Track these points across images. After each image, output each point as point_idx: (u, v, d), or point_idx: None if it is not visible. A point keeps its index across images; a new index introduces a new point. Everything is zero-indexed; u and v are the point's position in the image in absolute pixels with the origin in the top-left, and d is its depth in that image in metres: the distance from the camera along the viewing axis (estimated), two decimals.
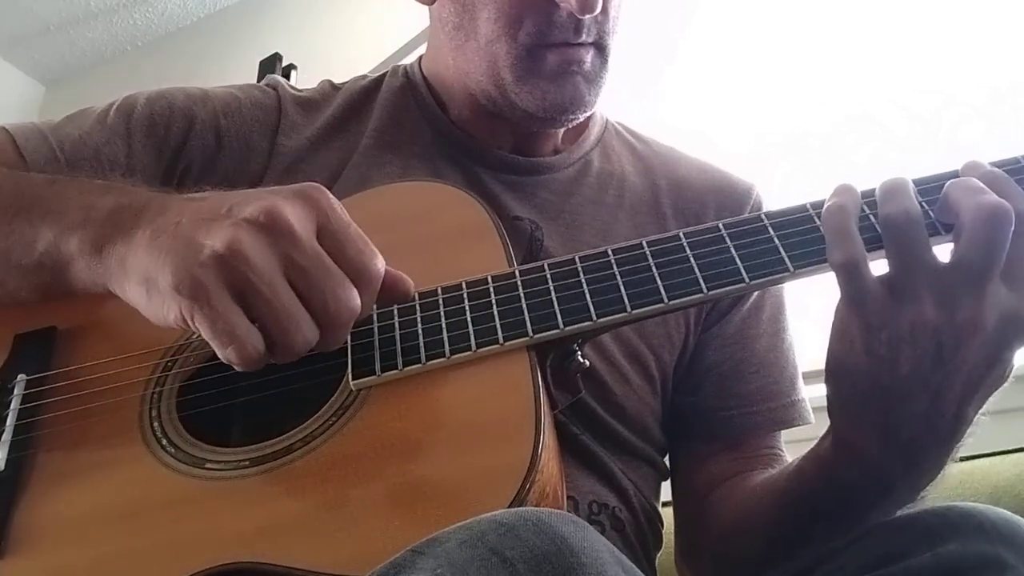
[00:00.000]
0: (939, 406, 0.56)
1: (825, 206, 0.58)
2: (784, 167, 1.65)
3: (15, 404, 0.64)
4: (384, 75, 0.91)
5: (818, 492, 0.66)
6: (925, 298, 0.54)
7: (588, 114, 0.82)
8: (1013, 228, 0.53)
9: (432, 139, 0.85)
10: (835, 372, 0.59)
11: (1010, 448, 0.99)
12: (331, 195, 0.55)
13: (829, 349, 0.59)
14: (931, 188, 0.58)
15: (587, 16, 0.73)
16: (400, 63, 0.94)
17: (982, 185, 0.55)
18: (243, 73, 1.92)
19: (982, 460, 0.99)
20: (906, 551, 0.54)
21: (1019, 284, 0.54)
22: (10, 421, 0.63)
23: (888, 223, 0.55)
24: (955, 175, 0.59)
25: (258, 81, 1.15)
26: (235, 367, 0.53)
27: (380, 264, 0.55)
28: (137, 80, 0.86)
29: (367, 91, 0.89)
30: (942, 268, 0.54)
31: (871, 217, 0.58)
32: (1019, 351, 0.56)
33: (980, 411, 0.58)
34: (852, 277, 0.55)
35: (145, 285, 0.54)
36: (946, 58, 1.56)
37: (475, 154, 0.84)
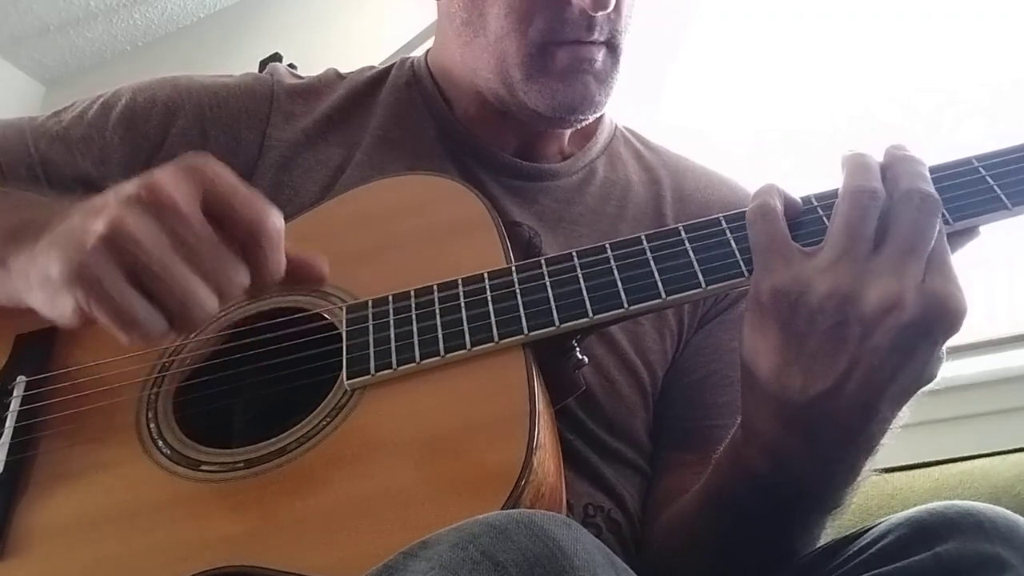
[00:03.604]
0: (844, 390, 0.53)
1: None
2: (784, 165, 1.65)
3: (14, 406, 0.64)
4: (391, 67, 0.90)
5: (731, 485, 0.64)
6: (844, 268, 0.53)
7: (598, 115, 0.81)
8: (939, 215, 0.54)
9: (436, 138, 0.83)
10: (746, 348, 0.57)
11: (1010, 448, 0.99)
12: (215, 161, 0.53)
13: (743, 328, 0.58)
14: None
15: (600, 14, 0.72)
16: (407, 56, 0.92)
17: (922, 172, 0.55)
18: (243, 73, 1.91)
19: (982, 460, 0.99)
20: (906, 550, 0.54)
21: (942, 271, 0.52)
22: (9, 423, 0.63)
23: (840, 195, 0.55)
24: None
25: None
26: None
27: (275, 221, 0.52)
28: (137, 80, 0.86)
29: (372, 83, 0.87)
30: (871, 243, 0.53)
31: (818, 210, 0.59)
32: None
33: (898, 413, 0.56)
34: (763, 219, 0.56)
35: (43, 286, 0.53)
36: (948, 55, 1.56)
37: (479, 156, 0.82)
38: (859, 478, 0.60)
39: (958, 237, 0.58)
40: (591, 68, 0.75)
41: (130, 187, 0.51)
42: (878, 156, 0.58)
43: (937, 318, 0.52)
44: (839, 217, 0.55)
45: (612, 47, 0.76)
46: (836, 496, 0.61)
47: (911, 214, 0.53)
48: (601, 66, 0.76)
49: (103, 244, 0.49)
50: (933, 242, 0.53)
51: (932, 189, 0.54)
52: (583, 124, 0.81)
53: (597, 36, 0.74)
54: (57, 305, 0.53)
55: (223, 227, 0.51)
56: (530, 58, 0.75)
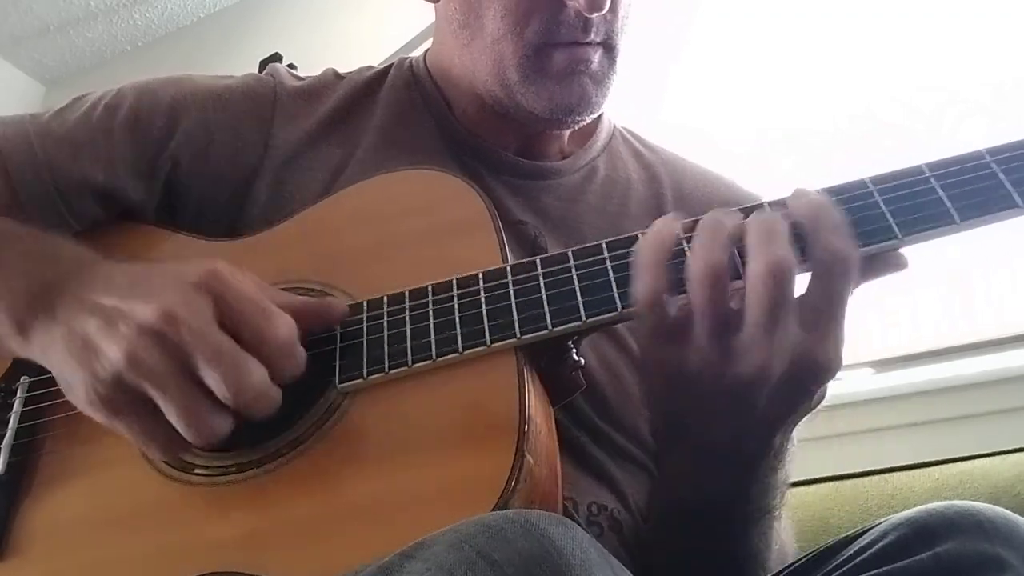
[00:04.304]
0: (735, 435, 0.57)
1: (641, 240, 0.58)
2: (786, 165, 1.65)
3: (17, 407, 0.65)
4: (389, 67, 0.89)
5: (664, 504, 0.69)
6: (711, 345, 0.53)
7: (595, 115, 0.80)
8: (795, 280, 0.52)
9: (437, 138, 0.83)
10: (646, 389, 0.62)
11: (1010, 448, 0.99)
12: (228, 274, 0.56)
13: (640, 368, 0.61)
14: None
15: (595, 15, 0.72)
16: (406, 56, 0.92)
17: (775, 230, 0.53)
18: (243, 73, 1.91)
19: (982, 460, 0.99)
20: (906, 550, 0.54)
21: (818, 328, 0.52)
22: (12, 424, 0.64)
23: (691, 273, 0.54)
24: (783, 204, 0.57)
25: None
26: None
27: (280, 332, 0.56)
28: (138, 80, 0.86)
29: (371, 84, 0.87)
30: (734, 320, 0.53)
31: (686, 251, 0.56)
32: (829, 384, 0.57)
33: (790, 435, 0.61)
34: (650, 312, 0.56)
35: (68, 388, 0.57)
36: (949, 55, 1.56)
37: (480, 155, 0.82)
38: (775, 487, 0.63)
39: (881, 264, 0.56)
40: (587, 69, 0.75)
41: (145, 312, 0.54)
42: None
43: (810, 375, 0.54)
44: (696, 303, 0.54)
45: (609, 48, 0.76)
46: (757, 505, 0.63)
47: (763, 292, 0.52)
48: (598, 67, 0.76)
49: (117, 377, 0.54)
50: (789, 305, 0.52)
51: (785, 258, 0.52)
52: (580, 125, 0.81)
53: (593, 37, 0.74)
54: (82, 407, 0.57)
55: (235, 336, 0.55)
56: (527, 60, 0.74)
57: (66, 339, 0.57)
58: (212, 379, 0.53)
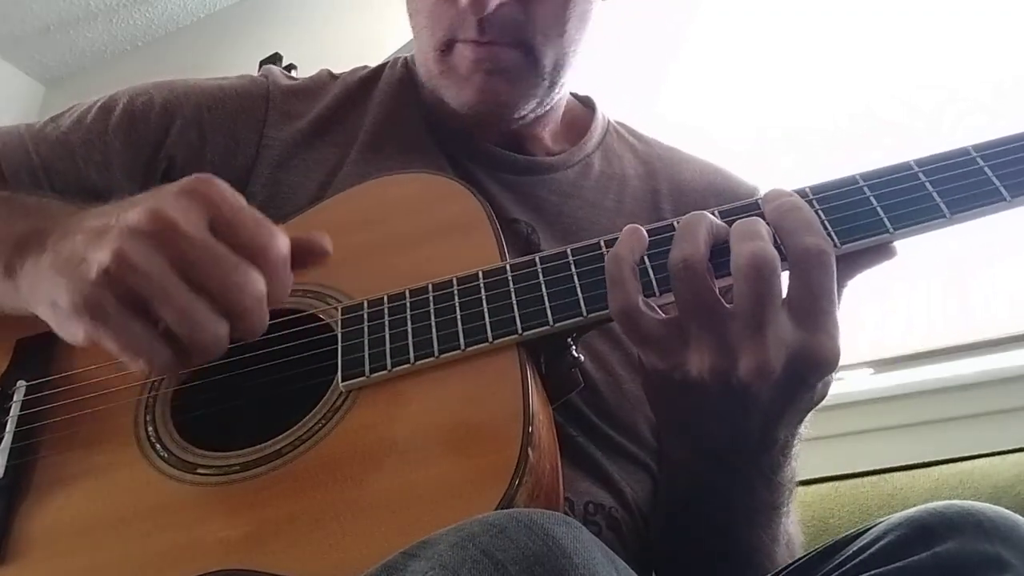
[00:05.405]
0: (738, 432, 0.57)
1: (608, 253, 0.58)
2: (785, 163, 1.65)
3: (15, 411, 0.64)
4: (384, 66, 0.90)
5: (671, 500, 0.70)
6: (707, 344, 0.53)
7: (520, 115, 0.79)
8: (778, 272, 0.52)
9: (430, 136, 0.83)
10: (647, 395, 0.62)
11: (1010, 448, 0.99)
12: (220, 182, 0.53)
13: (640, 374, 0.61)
14: (729, 222, 0.57)
15: (483, 15, 0.71)
16: (401, 55, 0.93)
17: (754, 229, 0.54)
18: (242, 73, 1.91)
19: (982, 460, 0.99)
20: (905, 550, 0.54)
21: (808, 322, 0.52)
22: (10, 427, 0.64)
23: (669, 267, 0.54)
24: (755, 205, 0.58)
25: None
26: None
27: (280, 243, 0.53)
28: (137, 80, 0.86)
29: (365, 83, 0.88)
30: (723, 314, 0.53)
31: (646, 260, 0.57)
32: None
33: (797, 432, 0.61)
34: (627, 323, 0.55)
35: (52, 309, 0.54)
36: (949, 53, 1.56)
37: (473, 153, 0.82)
38: (781, 483, 0.63)
39: (872, 254, 0.57)
40: (495, 67, 0.74)
41: (133, 214, 0.51)
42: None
43: (809, 369, 0.53)
44: (677, 296, 0.54)
45: (528, 49, 0.75)
46: (763, 500, 0.64)
47: (746, 286, 0.52)
48: (511, 66, 0.75)
49: (106, 276, 0.50)
50: (776, 298, 0.52)
51: (765, 249, 0.52)
52: (506, 124, 0.80)
53: (498, 37, 0.73)
54: (66, 329, 0.54)
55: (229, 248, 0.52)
56: (439, 55, 0.76)
57: (53, 262, 0.54)
58: (214, 280, 0.50)
